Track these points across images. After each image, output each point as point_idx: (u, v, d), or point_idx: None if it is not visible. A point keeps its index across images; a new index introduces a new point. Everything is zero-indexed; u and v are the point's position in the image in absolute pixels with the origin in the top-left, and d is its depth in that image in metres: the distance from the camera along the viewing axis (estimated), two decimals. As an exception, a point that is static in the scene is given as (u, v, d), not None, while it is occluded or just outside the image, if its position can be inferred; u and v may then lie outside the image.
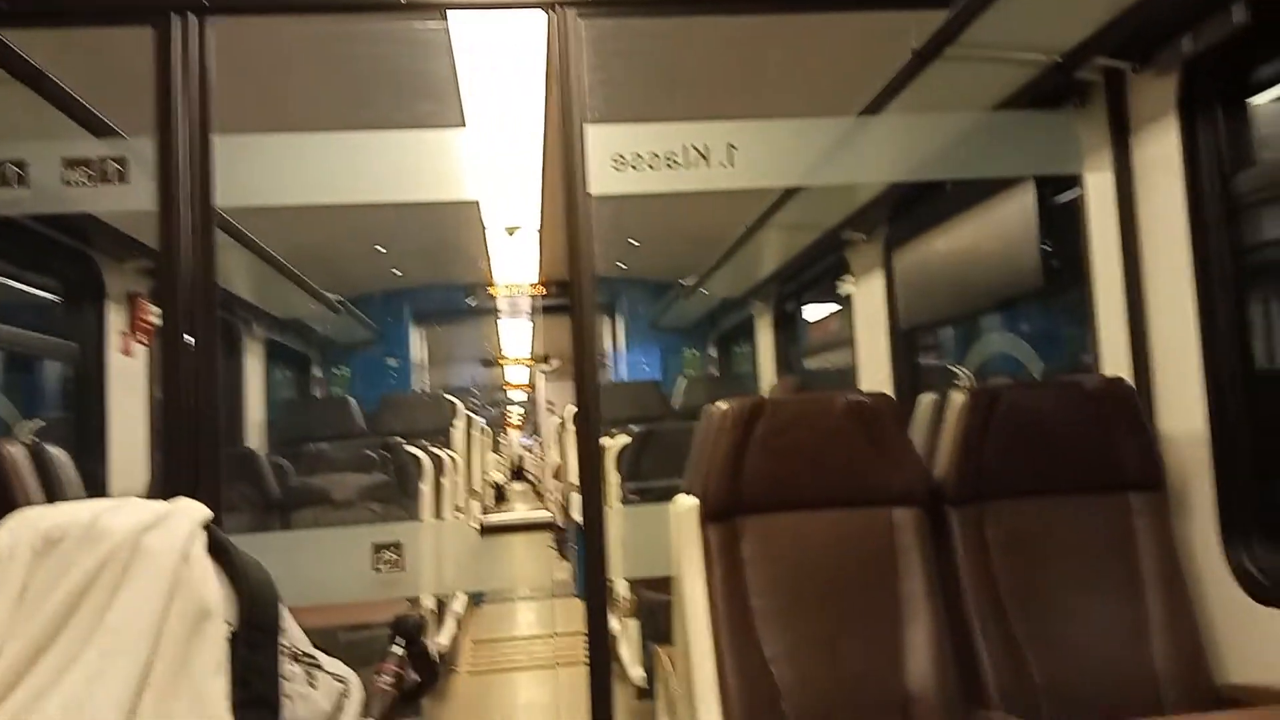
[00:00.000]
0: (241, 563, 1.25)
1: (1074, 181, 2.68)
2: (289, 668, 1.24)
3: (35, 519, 1.24)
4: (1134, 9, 2.16)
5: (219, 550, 1.23)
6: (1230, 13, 2.02)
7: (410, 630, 1.49)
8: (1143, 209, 2.39)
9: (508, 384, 13.67)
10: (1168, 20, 2.16)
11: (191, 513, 1.24)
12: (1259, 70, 2.18)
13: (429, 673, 1.50)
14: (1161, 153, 2.29)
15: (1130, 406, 2.25)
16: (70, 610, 1.15)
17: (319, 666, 1.31)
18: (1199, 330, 2.21)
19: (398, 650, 1.46)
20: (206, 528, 1.24)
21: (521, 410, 16.12)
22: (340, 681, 1.34)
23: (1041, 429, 2.25)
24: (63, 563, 1.18)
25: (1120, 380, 2.31)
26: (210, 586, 1.18)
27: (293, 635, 1.28)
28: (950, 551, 2.15)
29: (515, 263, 6.36)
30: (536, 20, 2.39)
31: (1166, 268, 2.31)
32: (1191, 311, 2.23)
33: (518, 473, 14.47)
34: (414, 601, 2.68)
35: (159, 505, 1.25)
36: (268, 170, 2.32)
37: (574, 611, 5.98)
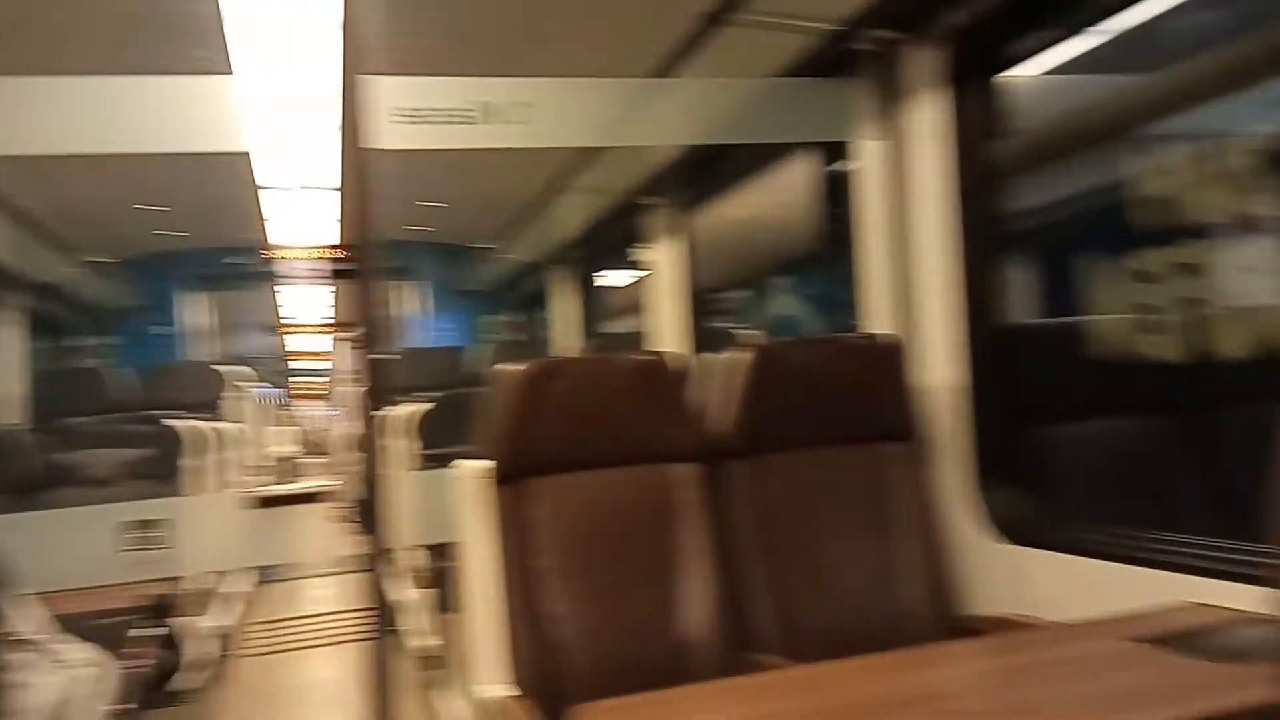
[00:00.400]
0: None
1: (853, 148, 2.81)
2: (19, 655, 1.13)
3: None
4: (908, -20, 2.28)
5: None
6: None
7: (160, 612, 1.39)
8: (909, 175, 2.54)
9: (296, 353, 13.03)
10: (939, -7, 2.29)
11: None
12: (1020, 44, 2.33)
13: (178, 655, 1.41)
14: (929, 122, 2.44)
15: (895, 362, 2.40)
16: None
17: (53, 652, 1.21)
18: (958, 290, 2.38)
19: (146, 633, 1.36)
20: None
21: (320, 380, 15.47)
22: (82, 666, 1.24)
23: (815, 384, 2.35)
24: None
25: (887, 337, 2.46)
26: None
27: (23, 620, 1.17)
28: (727, 505, 2.23)
29: (309, 223, 6.06)
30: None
31: (930, 232, 2.46)
32: (952, 273, 2.39)
33: (313, 445, 13.90)
34: (176, 582, 2.51)
35: None
36: (12, 117, 2.10)
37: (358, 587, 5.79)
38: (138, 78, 2.16)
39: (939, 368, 2.44)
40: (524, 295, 7.80)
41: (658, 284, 4.50)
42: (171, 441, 3.96)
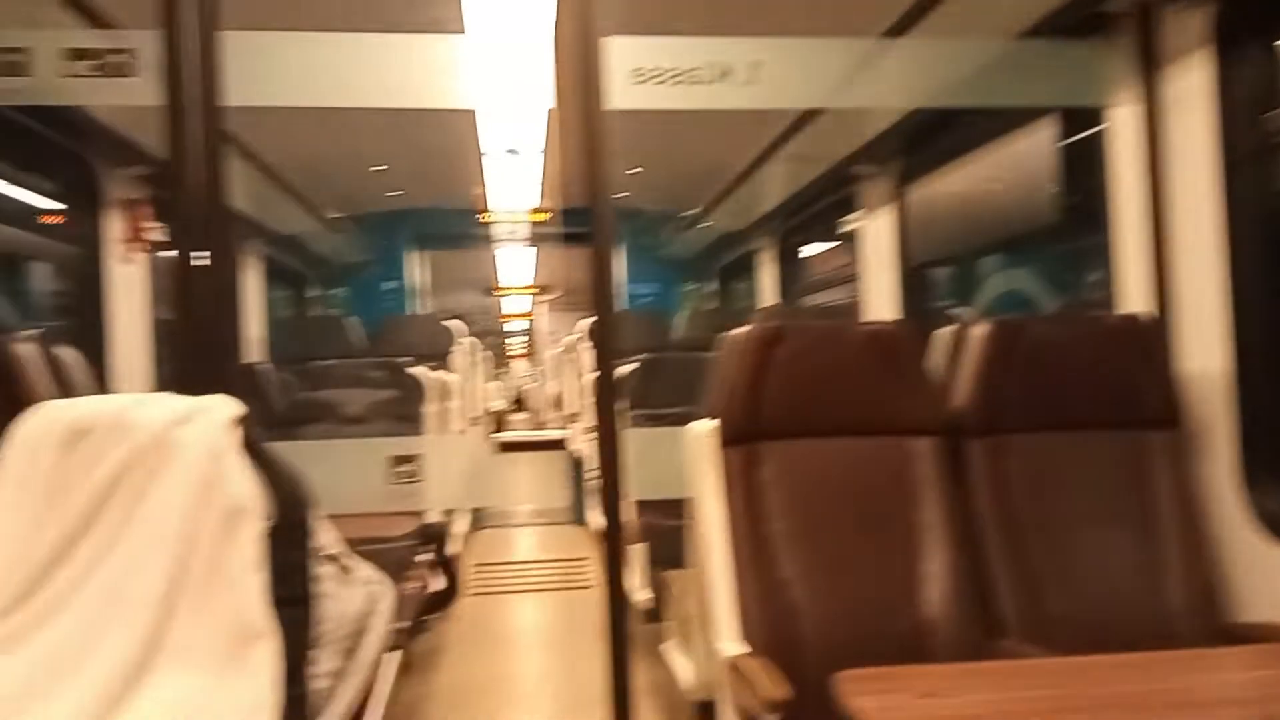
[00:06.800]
0: (275, 461, 1.22)
1: (1097, 115, 2.63)
2: (321, 568, 1.22)
3: (59, 411, 1.20)
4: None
5: (252, 448, 1.20)
6: None
7: (435, 539, 1.47)
8: (1169, 144, 2.35)
9: (507, 314, 13.62)
10: (1204, -49, 2.10)
11: (224, 408, 1.21)
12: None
13: (453, 580, 1.49)
14: (1192, 88, 2.25)
15: (1151, 344, 2.24)
16: (101, 502, 1.12)
17: (351, 568, 1.30)
18: (1225, 267, 2.19)
19: (424, 558, 1.45)
20: (239, 425, 1.21)
21: (523, 340, 16.12)
22: (372, 584, 1.33)
23: (1061, 363, 2.23)
24: (91, 455, 1.15)
25: (1142, 317, 2.29)
26: (244, 484, 1.16)
27: (325, 537, 1.26)
28: (967, 483, 2.15)
29: (516, 188, 6.25)
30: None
31: (1192, 204, 2.27)
32: (1217, 248, 2.20)
33: (519, 403, 14.52)
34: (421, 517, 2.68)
35: (189, 400, 1.22)
36: (272, 70, 2.24)
37: (572, 538, 6.03)
38: (377, 35, 2.25)
39: (1201, 351, 2.25)
40: (722, 264, 7.78)
41: (868, 257, 4.38)
42: (411, 387, 4.20)
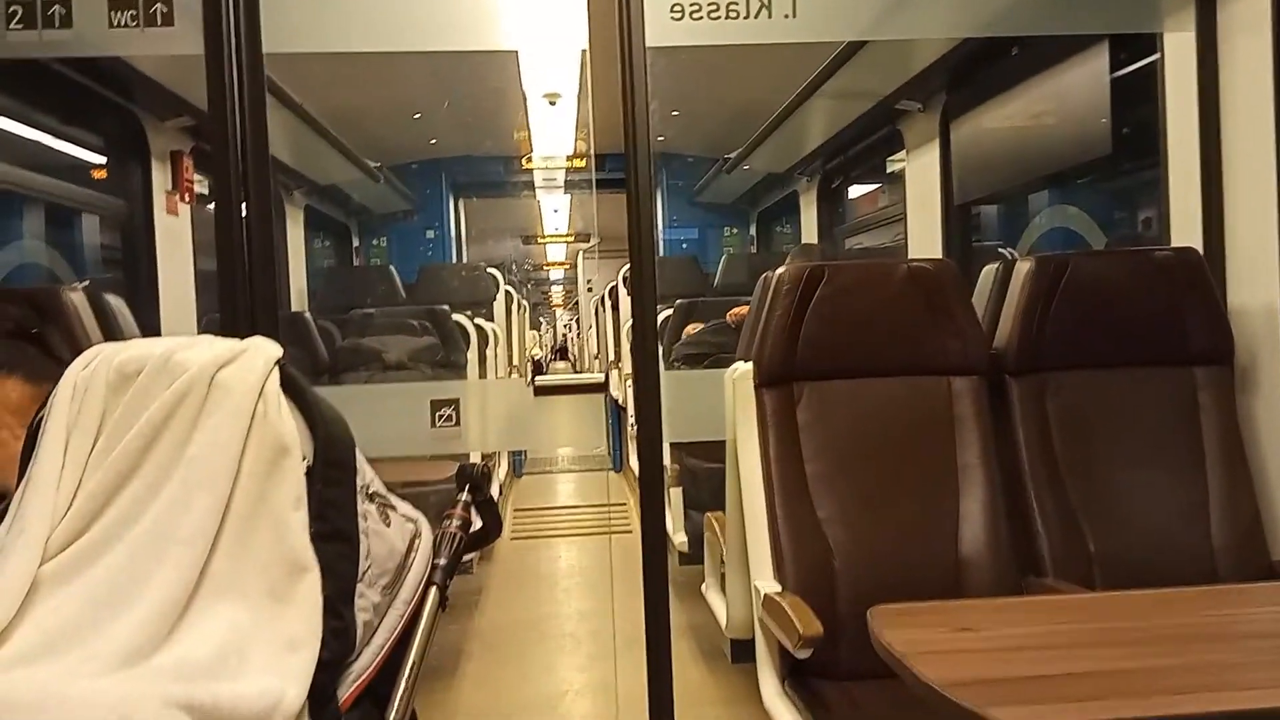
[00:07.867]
0: (315, 401, 1.24)
1: (1147, 45, 2.53)
2: (364, 505, 1.25)
3: (110, 354, 1.23)
4: None
5: (293, 388, 1.23)
6: None
7: (476, 479, 1.50)
8: (1225, 72, 2.27)
9: (548, 263, 13.62)
10: None
11: (265, 350, 1.23)
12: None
13: (494, 521, 1.52)
14: (1249, 13, 2.16)
15: (1200, 278, 2.18)
16: (149, 443, 1.15)
17: (392, 506, 1.32)
18: None
19: (464, 498, 1.47)
20: (280, 366, 1.23)
21: (563, 289, 16.15)
22: (411, 522, 1.36)
23: (1107, 299, 2.19)
24: (140, 396, 1.18)
25: (1191, 251, 2.23)
26: (287, 422, 1.18)
27: (366, 475, 1.29)
28: (1009, 421, 2.13)
29: (554, 134, 6.22)
30: None
31: (1248, 135, 2.20)
32: (1272, 180, 2.13)
33: (561, 351, 14.58)
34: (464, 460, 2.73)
35: (233, 342, 1.24)
36: (312, 16, 2.24)
37: (611, 484, 6.11)
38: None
39: (1253, 285, 2.19)
40: (761, 207, 7.70)
41: (912, 196, 4.31)
42: (451, 334, 4.26)
